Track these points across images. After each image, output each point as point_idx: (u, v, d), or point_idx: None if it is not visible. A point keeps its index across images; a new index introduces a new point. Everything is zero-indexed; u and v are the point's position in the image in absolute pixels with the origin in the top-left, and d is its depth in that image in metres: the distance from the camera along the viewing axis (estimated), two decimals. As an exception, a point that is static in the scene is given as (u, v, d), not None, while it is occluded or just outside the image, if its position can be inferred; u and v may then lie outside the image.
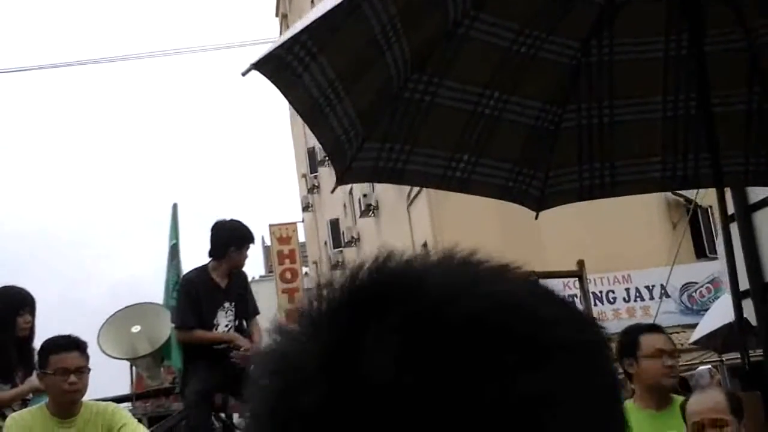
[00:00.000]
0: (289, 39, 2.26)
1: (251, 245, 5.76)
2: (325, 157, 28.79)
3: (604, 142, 3.08)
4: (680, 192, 17.06)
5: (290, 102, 2.46)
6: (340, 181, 2.81)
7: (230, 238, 5.61)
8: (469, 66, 2.76)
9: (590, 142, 3.08)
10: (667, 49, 2.97)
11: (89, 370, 4.06)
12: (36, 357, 4.82)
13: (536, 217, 3.20)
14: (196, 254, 5.76)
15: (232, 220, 5.78)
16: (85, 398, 4.17)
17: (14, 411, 4.36)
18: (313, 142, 30.01)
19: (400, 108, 2.70)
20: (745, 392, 2.79)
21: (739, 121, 3.08)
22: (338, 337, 0.48)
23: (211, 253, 5.68)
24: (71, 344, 4.04)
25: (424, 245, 19.31)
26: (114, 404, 4.53)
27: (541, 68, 2.88)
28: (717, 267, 12.72)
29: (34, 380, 4.72)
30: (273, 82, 2.32)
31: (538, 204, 3.16)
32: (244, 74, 2.24)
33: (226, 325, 5.62)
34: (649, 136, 3.10)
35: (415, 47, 2.50)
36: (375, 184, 22.83)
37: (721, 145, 2.92)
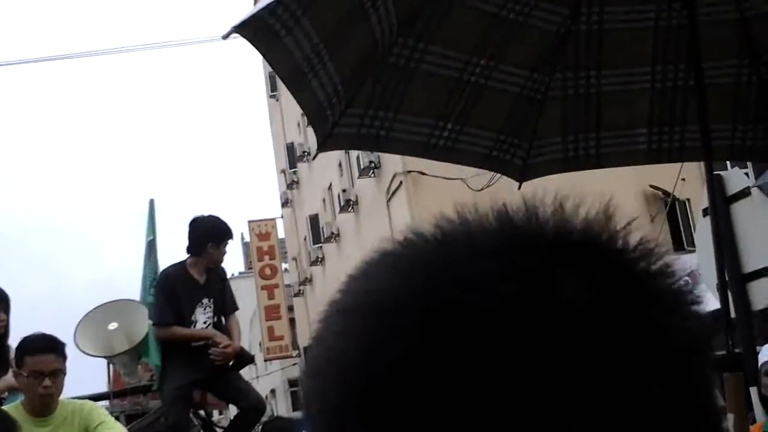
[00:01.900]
0: (272, 1, 2.20)
1: (230, 241, 5.72)
2: (304, 152, 28.84)
3: (590, 112, 3.05)
4: (658, 185, 17.15)
5: (272, 66, 2.42)
6: (322, 147, 2.77)
7: (208, 234, 5.58)
8: (455, 32, 2.70)
9: (576, 112, 3.04)
10: (658, 18, 2.91)
11: (65, 373, 4.04)
12: (12, 355, 4.78)
13: (519, 188, 3.18)
14: (173, 250, 5.77)
15: (210, 216, 5.75)
16: (62, 396, 4.13)
17: (-10, 409, 4.31)
18: (292, 137, 29.96)
19: (384, 73, 2.65)
20: (730, 373, 2.80)
21: (728, 94, 3.05)
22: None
23: (189, 250, 5.65)
24: (48, 346, 4.02)
25: (404, 240, 19.31)
26: (91, 402, 4.50)
27: (529, 35, 2.82)
28: (695, 260, 12.82)
29: (9, 378, 4.66)
30: (254, 45, 2.28)
31: (521, 174, 3.13)
32: (224, 37, 2.22)
33: (205, 322, 5.59)
34: (636, 108, 3.08)
35: (401, 11, 2.45)
36: (354, 179, 22.82)
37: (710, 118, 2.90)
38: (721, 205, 4.58)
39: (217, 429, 6.23)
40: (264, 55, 2.37)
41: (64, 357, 4.05)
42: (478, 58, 2.78)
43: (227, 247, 5.73)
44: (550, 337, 0.45)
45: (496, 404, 0.44)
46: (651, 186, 17.02)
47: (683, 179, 13.12)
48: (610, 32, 2.92)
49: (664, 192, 16.08)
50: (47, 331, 4.14)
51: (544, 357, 0.45)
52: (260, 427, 6.10)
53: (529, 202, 0.51)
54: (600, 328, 0.46)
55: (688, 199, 16.14)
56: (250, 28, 2.27)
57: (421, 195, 18.30)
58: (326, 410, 0.50)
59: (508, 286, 0.46)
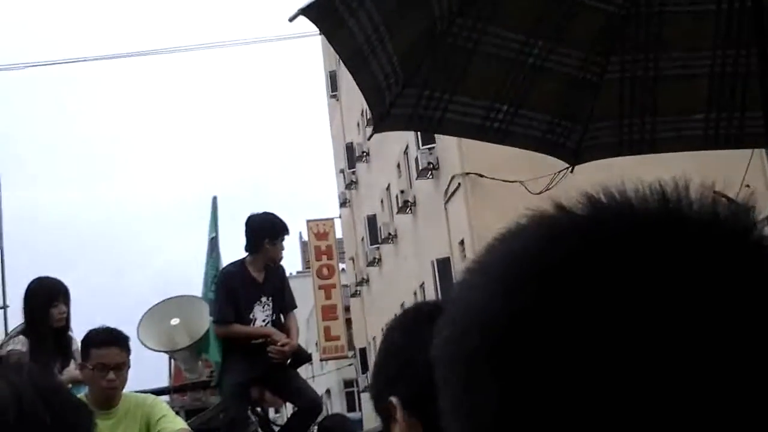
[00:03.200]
0: None
1: (286, 238, 5.73)
2: (363, 152, 28.87)
3: (646, 96, 2.99)
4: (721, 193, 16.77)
5: (334, 47, 2.46)
6: (378, 127, 2.76)
7: (263, 231, 5.61)
8: (514, 12, 2.69)
9: (633, 96, 2.97)
10: (719, 1, 2.86)
11: (129, 367, 4.09)
12: (74, 346, 4.88)
13: (572, 171, 3.12)
14: (235, 248, 5.86)
15: (265, 213, 5.78)
16: (125, 390, 4.21)
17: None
18: (351, 137, 30.07)
19: (441, 54, 2.65)
20: None
21: None
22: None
23: (247, 248, 5.70)
24: (113, 339, 4.07)
25: (461, 243, 19.25)
26: (153, 396, 4.56)
27: (587, 17, 2.79)
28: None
29: (72, 371, 4.76)
30: (319, 27, 2.35)
31: (575, 157, 3.08)
32: (291, 20, 2.28)
33: (264, 320, 5.64)
34: (694, 92, 3.01)
35: None
36: (413, 180, 22.80)
37: None
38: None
39: (274, 426, 6.27)
40: (327, 37, 2.42)
41: (128, 350, 4.11)
42: (536, 40, 2.75)
43: (284, 244, 5.73)
44: (710, 313, 0.46)
45: (634, 364, 0.45)
46: (716, 192, 16.69)
47: (747, 186, 12.85)
48: (670, 15, 2.86)
49: (728, 199, 15.77)
50: (110, 325, 4.22)
51: (696, 326, 0.46)
52: (316, 427, 6.14)
53: (678, 182, 0.52)
54: (756, 304, 0.47)
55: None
56: (315, 11, 2.31)
57: (479, 197, 18.22)
58: (458, 358, 0.51)
59: (667, 259, 0.47)
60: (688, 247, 0.48)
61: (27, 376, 0.99)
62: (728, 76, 2.99)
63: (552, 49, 2.81)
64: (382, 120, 2.74)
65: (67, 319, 4.95)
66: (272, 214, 5.80)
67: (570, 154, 3.11)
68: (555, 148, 3.07)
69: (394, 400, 1.12)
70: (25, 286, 4.97)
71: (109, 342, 4.05)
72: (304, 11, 2.29)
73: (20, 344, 4.78)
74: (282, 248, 5.69)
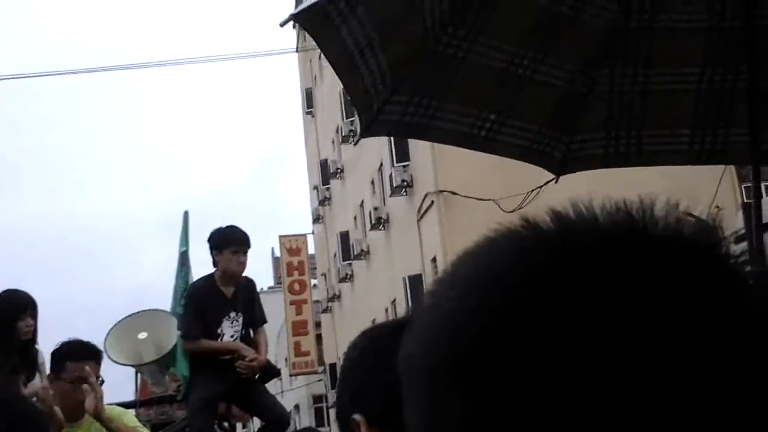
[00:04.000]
0: None
1: (241, 249, 5.54)
2: (337, 169, 28.86)
3: (633, 110, 3.00)
4: (691, 213, 16.96)
5: (324, 52, 2.49)
6: (365, 133, 2.76)
7: (213, 242, 5.57)
8: (505, 24, 2.71)
9: (620, 109, 2.99)
10: (710, 19, 2.87)
11: (103, 381, 4.10)
12: (41, 359, 4.84)
13: (556, 181, 3.15)
14: (207, 263, 5.82)
15: (225, 226, 5.71)
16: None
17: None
18: (326, 154, 30.09)
19: (431, 63, 2.66)
20: None
21: None
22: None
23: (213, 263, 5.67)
24: (90, 353, 4.08)
25: (434, 260, 19.29)
26: (120, 408, 4.54)
27: (578, 31, 2.80)
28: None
29: (37, 384, 4.71)
30: (310, 32, 2.38)
31: (560, 168, 3.10)
32: (282, 25, 2.30)
33: (232, 335, 5.59)
34: (681, 108, 3.03)
35: (452, 1, 2.48)
36: (386, 197, 22.85)
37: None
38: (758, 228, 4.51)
39: (241, 441, 6.26)
40: (317, 42, 2.44)
41: (100, 365, 4.13)
42: (526, 51, 2.77)
43: (242, 257, 5.53)
44: (675, 324, 0.46)
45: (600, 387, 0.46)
46: (683, 212, 16.86)
47: (717, 207, 13.00)
48: (662, 30, 2.88)
49: (695, 218, 15.93)
50: (77, 338, 4.19)
51: (664, 342, 0.46)
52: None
53: (644, 200, 0.52)
54: (724, 319, 0.47)
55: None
56: (307, 16, 2.34)
57: (453, 215, 18.29)
58: (424, 370, 0.51)
59: (632, 272, 0.48)
60: (652, 262, 0.48)
61: None
62: (715, 93, 3.02)
63: (542, 61, 2.82)
64: (369, 125, 2.74)
65: (34, 333, 4.91)
66: (230, 226, 5.69)
67: (555, 165, 3.13)
68: (540, 158, 3.08)
69: (357, 417, 1.13)
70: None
71: (86, 356, 4.05)
72: (296, 17, 2.31)
73: (-15, 356, 4.73)
74: (238, 260, 5.52)
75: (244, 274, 5.67)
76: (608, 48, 2.97)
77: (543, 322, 0.47)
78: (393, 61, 2.52)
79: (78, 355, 4.03)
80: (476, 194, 16.71)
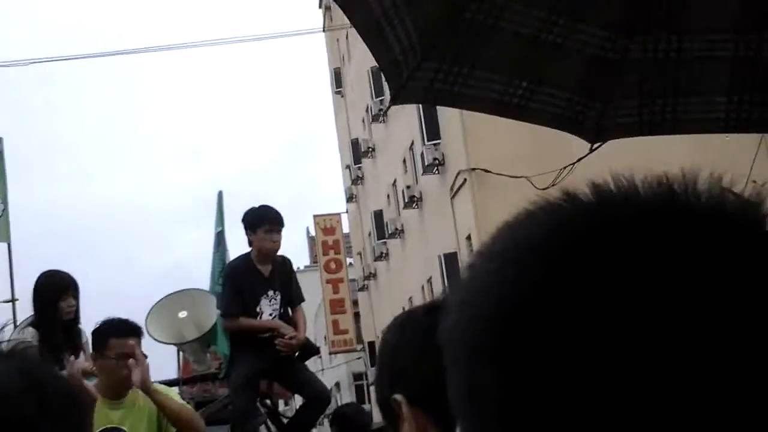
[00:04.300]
0: None
1: (274, 228, 5.57)
2: (369, 148, 28.79)
3: (668, 77, 2.93)
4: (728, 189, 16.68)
5: (350, 19, 2.46)
6: (394, 100, 2.74)
7: (249, 221, 5.63)
8: None
9: (655, 76, 2.93)
10: None
11: (146, 356, 4.15)
12: (84, 338, 4.94)
13: (590, 150, 3.11)
14: (242, 242, 5.90)
15: (258, 206, 5.72)
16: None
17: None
18: (357, 133, 30.08)
19: (461, 29, 2.63)
20: None
21: None
22: None
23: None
24: (131, 330, 4.15)
25: (468, 238, 19.29)
26: (163, 386, 4.61)
27: None
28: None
29: (82, 362, 4.82)
30: (336, 1, 2.37)
31: (594, 136, 3.05)
32: None
33: (271, 314, 5.64)
34: (716, 75, 2.96)
35: None
36: (418, 175, 22.83)
37: None
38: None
39: (283, 418, 6.33)
40: (343, 9, 2.42)
41: (141, 341, 4.19)
42: (558, 17, 2.72)
43: (275, 235, 5.55)
44: (717, 300, 0.46)
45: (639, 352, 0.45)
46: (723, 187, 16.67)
47: (754, 181, 12.86)
48: None
49: (734, 194, 15.74)
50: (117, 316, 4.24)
51: (703, 312, 0.46)
52: (325, 418, 6.16)
53: (686, 174, 0.51)
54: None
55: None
56: None
57: (485, 192, 18.24)
58: (464, 343, 0.52)
59: (672, 246, 0.47)
60: (694, 237, 0.48)
61: (16, 364, 0.98)
62: (751, 60, 2.97)
63: (574, 27, 2.77)
64: (398, 93, 2.70)
65: (77, 312, 5.00)
66: (262, 206, 5.72)
67: (590, 133, 3.06)
68: (574, 125, 3.01)
69: (398, 397, 1.16)
70: (35, 280, 5.04)
71: (128, 332, 4.11)
72: None
73: (29, 335, 4.82)
74: (272, 239, 5.56)
75: (280, 253, 5.72)
76: (642, 13, 2.89)
77: (580, 296, 0.47)
78: (422, 28, 2.50)
79: (120, 331, 4.09)
80: (508, 171, 16.66)
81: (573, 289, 0.47)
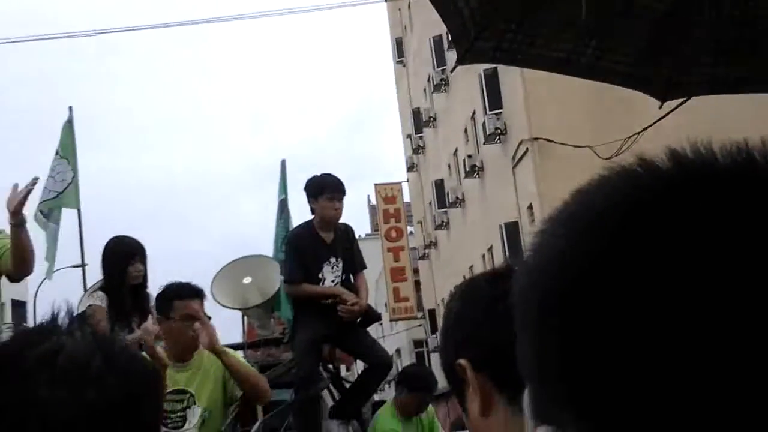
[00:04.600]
0: None
1: (336, 196, 5.64)
2: (430, 117, 28.67)
3: (741, 36, 2.88)
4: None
5: None
6: (461, 61, 2.75)
7: (307, 189, 5.70)
8: None
9: (726, 36, 2.89)
10: None
11: (210, 318, 4.19)
12: (151, 303, 5.05)
13: (660, 106, 3.06)
14: (305, 210, 5.97)
15: (320, 174, 5.78)
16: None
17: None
18: (418, 103, 30.01)
19: None
20: None
21: None
22: None
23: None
24: (194, 292, 4.18)
25: (530, 207, 19.18)
26: (228, 349, 4.70)
27: None
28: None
29: (150, 325, 4.95)
30: None
31: (663, 94, 3.02)
32: None
33: (333, 280, 5.68)
34: None
35: None
36: (480, 145, 22.72)
37: None
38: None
39: (345, 383, 6.41)
40: None
41: (203, 303, 4.19)
42: None
43: (336, 203, 5.61)
44: None
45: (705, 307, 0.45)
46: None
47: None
48: None
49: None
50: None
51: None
52: (386, 384, 6.20)
53: (766, 142, 0.50)
54: None
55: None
56: None
57: (547, 162, 18.08)
58: (533, 303, 0.52)
59: (750, 215, 0.46)
60: None
61: (85, 327, 1.01)
62: None
63: None
64: (465, 54, 2.69)
65: (144, 277, 5.08)
66: (324, 174, 5.78)
67: (659, 91, 3.02)
68: (643, 84, 3.00)
69: (463, 362, 1.18)
70: (103, 246, 5.14)
71: (192, 294, 4.15)
72: None
73: (99, 299, 4.91)
74: (333, 206, 5.62)
75: (342, 221, 5.78)
76: None
77: (648, 263, 0.46)
78: None
79: (184, 293, 4.13)
80: (569, 141, 16.49)
81: (640, 258, 0.47)
